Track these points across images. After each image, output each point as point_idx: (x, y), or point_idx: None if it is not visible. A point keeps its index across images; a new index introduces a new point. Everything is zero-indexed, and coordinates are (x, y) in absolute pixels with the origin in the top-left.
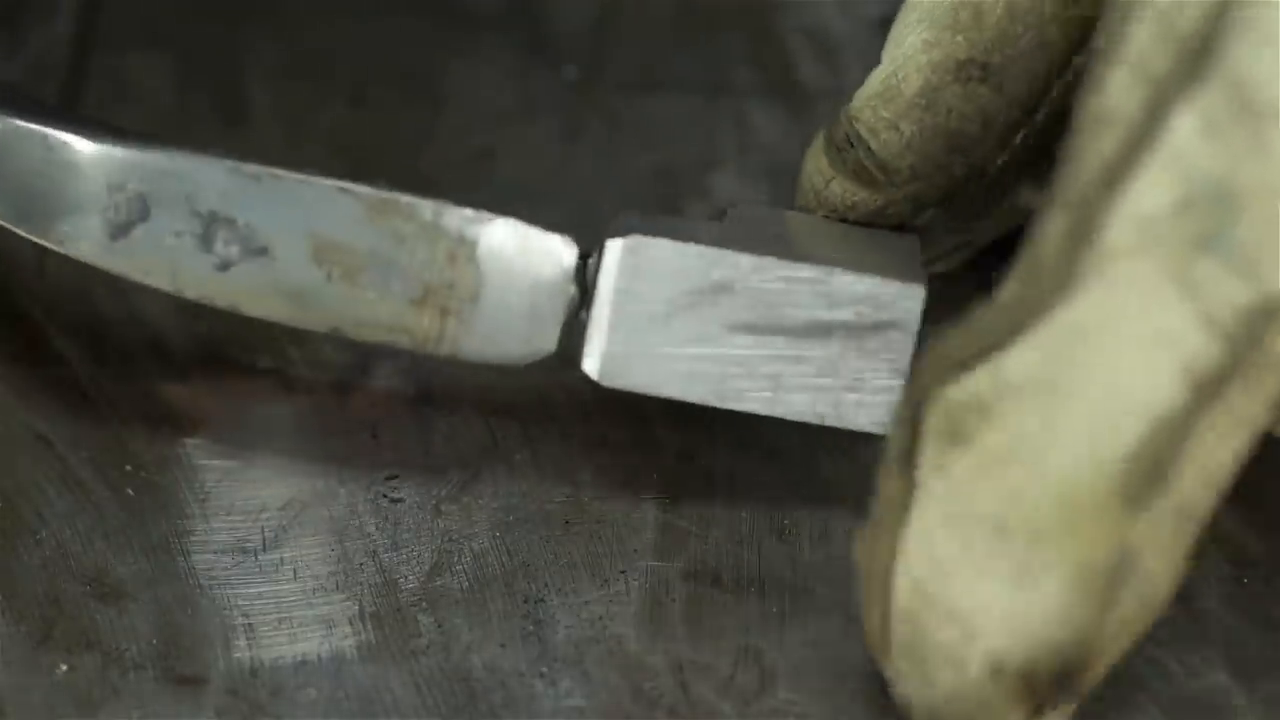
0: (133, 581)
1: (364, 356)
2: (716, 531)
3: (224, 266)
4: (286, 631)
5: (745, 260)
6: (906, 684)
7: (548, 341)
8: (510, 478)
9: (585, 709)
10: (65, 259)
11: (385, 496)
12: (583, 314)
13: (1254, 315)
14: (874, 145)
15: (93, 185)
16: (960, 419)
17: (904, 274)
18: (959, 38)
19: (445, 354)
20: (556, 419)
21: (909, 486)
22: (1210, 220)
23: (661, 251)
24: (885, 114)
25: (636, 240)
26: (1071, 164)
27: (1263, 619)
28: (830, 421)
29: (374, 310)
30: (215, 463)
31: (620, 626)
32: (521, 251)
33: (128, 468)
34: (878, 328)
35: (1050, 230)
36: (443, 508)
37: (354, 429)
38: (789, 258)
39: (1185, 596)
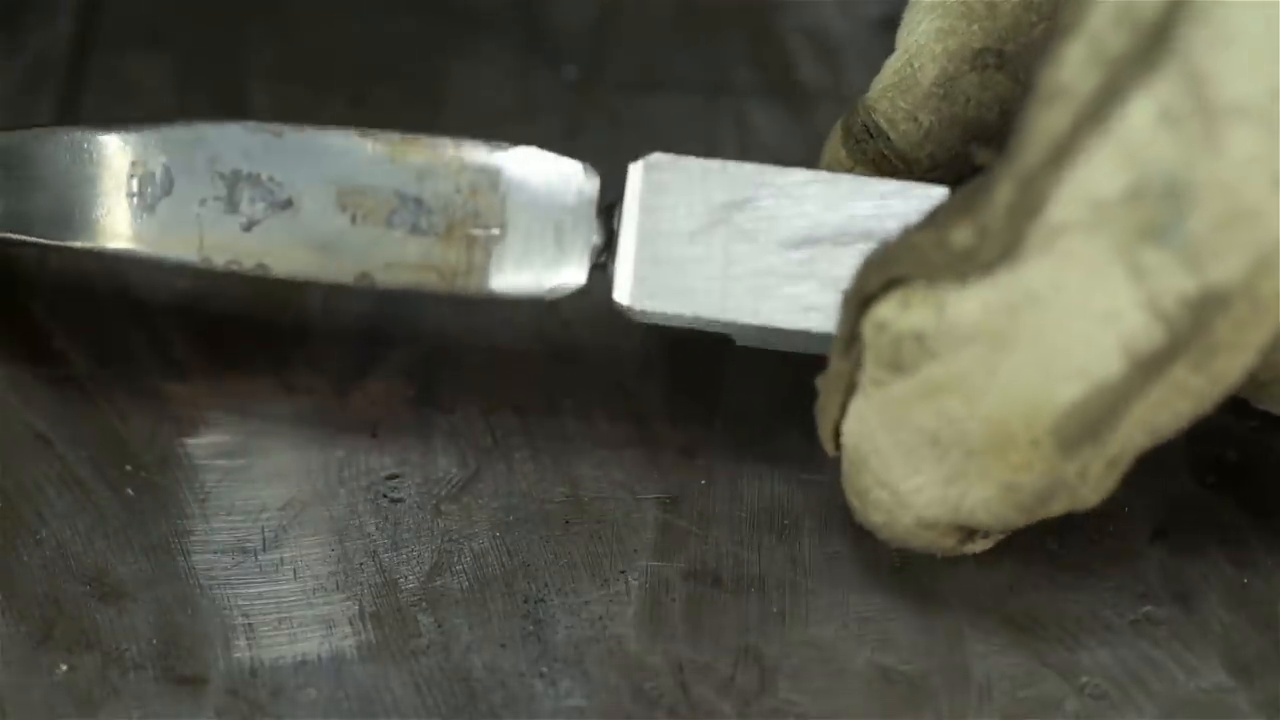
0: (133, 581)
1: (364, 356)
2: (716, 531)
3: (250, 225)
4: (286, 631)
5: (768, 171)
6: (849, 497)
7: (577, 271)
8: (510, 478)
9: (585, 709)
10: (65, 260)
11: (385, 496)
12: (609, 261)
13: (1201, 304)
14: (893, 136)
15: (116, 170)
16: (901, 348)
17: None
18: (974, 26)
19: (474, 289)
20: (556, 419)
21: (854, 372)
22: (1160, 211)
23: (684, 167)
24: (903, 104)
25: (658, 158)
26: (1023, 134)
27: (1263, 619)
28: None
29: (401, 250)
30: (215, 463)
31: (620, 626)
32: (544, 177)
33: (128, 468)
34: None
35: (999, 195)
36: (443, 508)
37: (354, 429)
38: (810, 169)
39: (1185, 596)
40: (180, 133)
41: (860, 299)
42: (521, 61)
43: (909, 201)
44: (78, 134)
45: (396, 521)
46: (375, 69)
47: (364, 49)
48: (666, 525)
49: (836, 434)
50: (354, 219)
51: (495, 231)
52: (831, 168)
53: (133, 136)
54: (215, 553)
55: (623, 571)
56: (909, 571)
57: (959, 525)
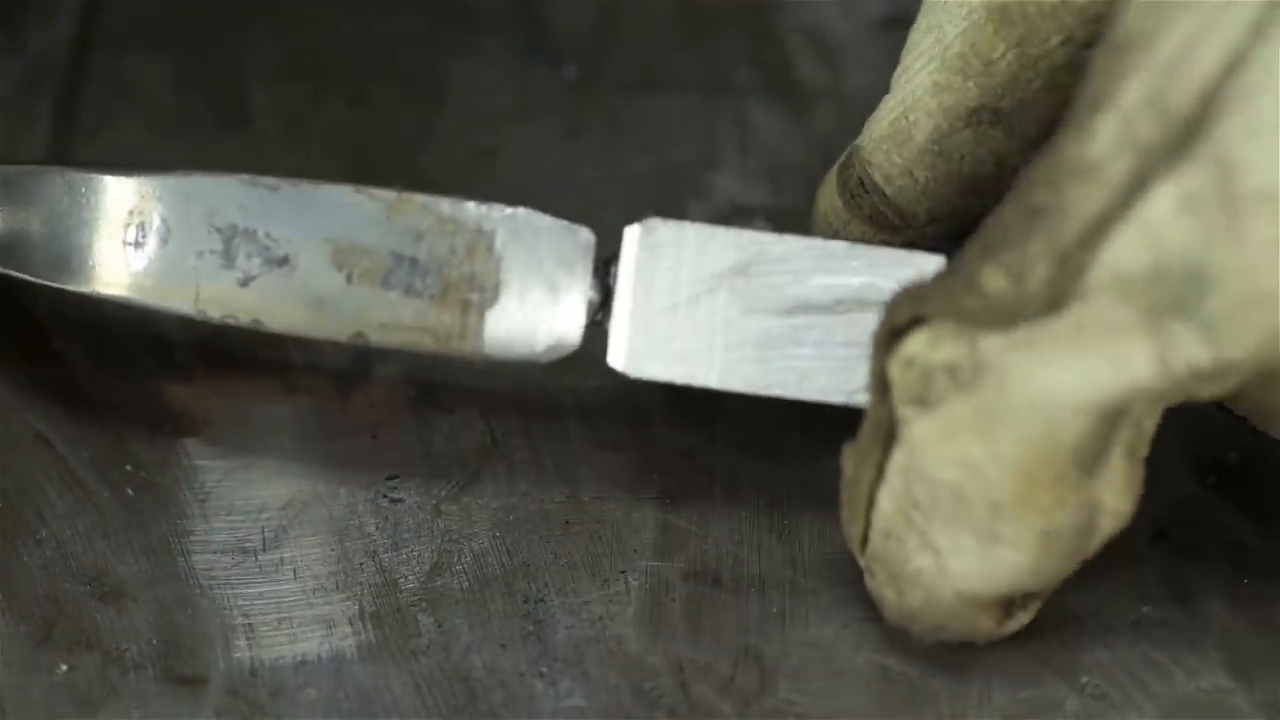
0: (133, 581)
1: (364, 357)
2: (716, 531)
3: (246, 281)
4: (286, 631)
5: (765, 238)
6: (880, 588)
7: (572, 336)
8: (510, 478)
9: (585, 709)
10: None
11: (385, 496)
12: (606, 320)
13: (1208, 373)
14: (889, 192)
15: (114, 216)
16: (932, 382)
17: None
18: (969, 83)
19: (469, 351)
20: (557, 419)
21: (885, 421)
22: (1182, 291)
23: (679, 233)
24: (898, 159)
25: (653, 223)
26: (1056, 205)
27: (1263, 619)
28: (859, 399)
29: (396, 311)
30: (215, 463)
31: (620, 626)
32: (540, 240)
33: (128, 468)
34: None
35: (1035, 255)
36: (443, 508)
37: (354, 429)
38: (807, 236)
39: (1185, 596)
40: (178, 183)
41: (889, 332)
42: (521, 61)
43: (906, 270)
44: (77, 175)
45: (396, 521)
46: (375, 69)
47: (364, 49)
48: (666, 525)
49: (865, 525)
50: (349, 278)
51: (490, 295)
52: (827, 216)
53: (132, 183)
54: (215, 553)
55: (623, 571)
56: None
57: (1001, 597)
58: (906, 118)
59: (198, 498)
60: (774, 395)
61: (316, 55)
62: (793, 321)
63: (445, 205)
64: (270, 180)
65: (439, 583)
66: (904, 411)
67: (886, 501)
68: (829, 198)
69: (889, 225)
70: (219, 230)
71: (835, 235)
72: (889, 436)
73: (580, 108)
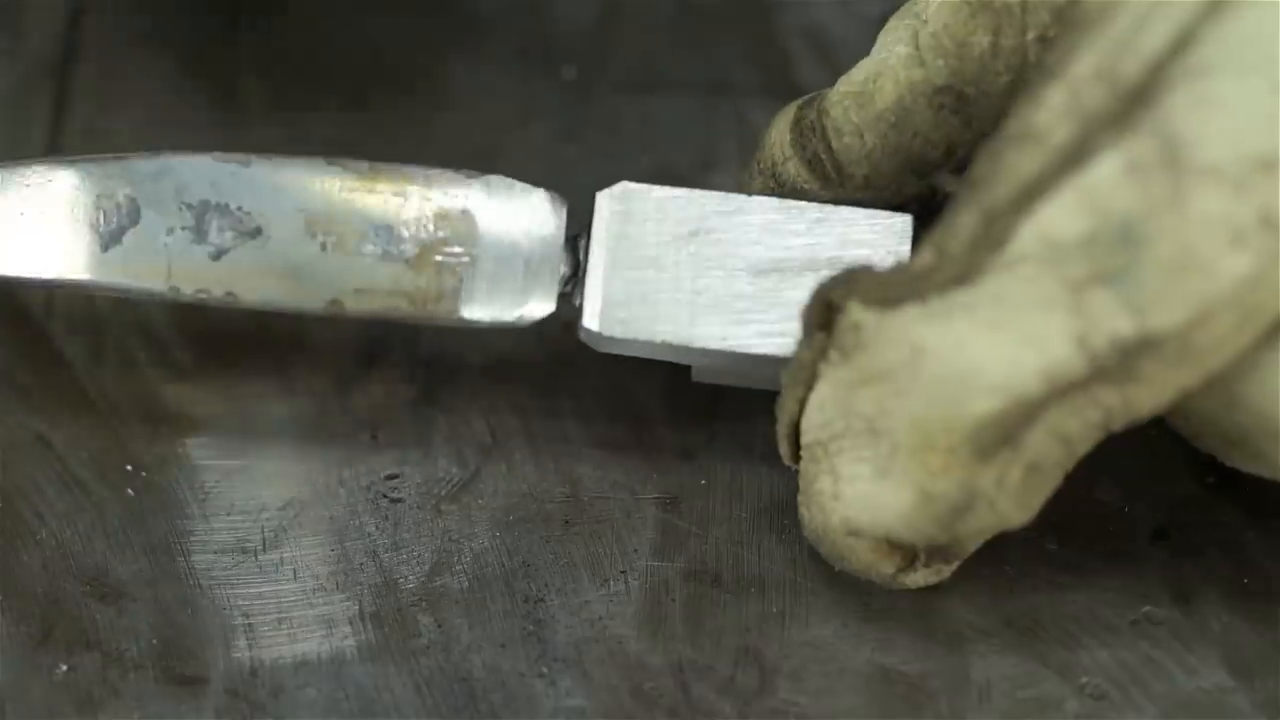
0: (133, 581)
1: (364, 357)
2: (716, 531)
3: (219, 254)
4: (286, 631)
5: (734, 199)
6: (799, 504)
7: (546, 299)
8: (510, 478)
9: (585, 709)
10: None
11: (385, 496)
12: (577, 294)
13: (1133, 346)
14: (835, 145)
15: (81, 203)
16: (855, 334)
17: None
18: (940, 62)
19: (444, 315)
20: (557, 419)
21: (817, 360)
22: (1113, 258)
23: (649, 195)
24: (854, 119)
25: (624, 188)
26: (992, 170)
27: (1263, 619)
28: None
29: (371, 276)
30: (215, 463)
31: (620, 626)
32: (513, 204)
33: (128, 468)
34: (870, 261)
35: (962, 224)
36: (443, 508)
37: (354, 429)
38: (778, 197)
39: (1185, 596)
40: (146, 165)
41: (824, 301)
42: (521, 61)
43: (874, 230)
44: (40, 168)
45: (396, 521)
46: (375, 69)
47: (364, 49)
48: (666, 525)
49: (795, 436)
50: (324, 246)
51: (466, 258)
52: (772, 146)
53: (96, 169)
54: (215, 553)
55: (623, 571)
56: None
57: (882, 539)
58: (874, 81)
59: (198, 498)
60: (746, 352)
61: (316, 55)
62: (762, 280)
63: (419, 174)
64: (240, 156)
65: (439, 583)
66: (834, 354)
67: (808, 427)
68: (780, 129)
69: (823, 175)
70: (190, 206)
71: (773, 167)
72: (813, 376)
73: (580, 108)
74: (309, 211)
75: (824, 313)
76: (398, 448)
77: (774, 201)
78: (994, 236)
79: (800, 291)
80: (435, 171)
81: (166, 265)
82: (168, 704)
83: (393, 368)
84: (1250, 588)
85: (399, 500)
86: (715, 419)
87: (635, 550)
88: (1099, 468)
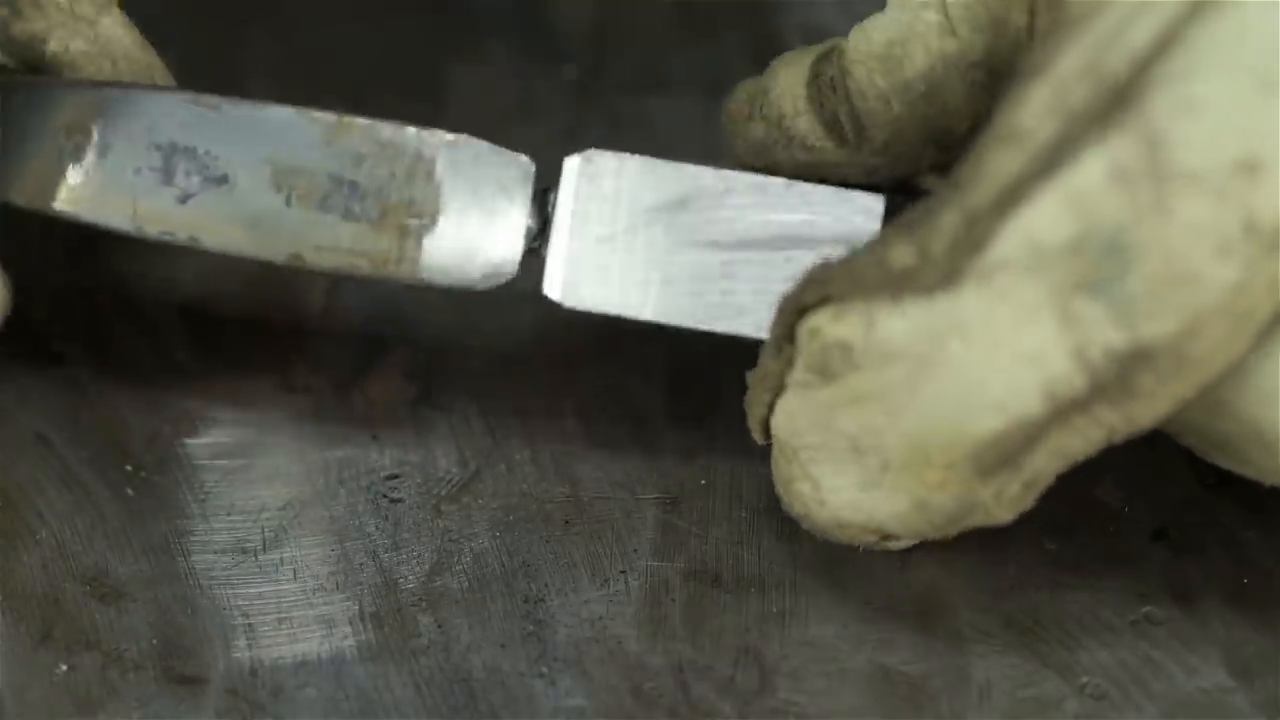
0: (133, 581)
1: (364, 357)
2: (716, 531)
3: (184, 198)
4: (286, 631)
5: (705, 173)
6: (776, 484)
7: (509, 264)
8: (510, 478)
9: (585, 709)
10: (66, 261)
11: (385, 496)
12: (543, 247)
13: (1127, 358)
14: (859, 107)
15: (50, 132)
16: (830, 357)
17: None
18: (977, 37)
19: (405, 275)
20: (556, 419)
21: (780, 378)
22: (1101, 267)
23: (618, 166)
24: (880, 83)
25: (593, 154)
26: (975, 170)
27: (1263, 619)
28: None
29: (334, 233)
30: (215, 463)
31: (620, 626)
32: (480, 169)
33: (128, 468)
34: (838, 240)
35: (944, 224)
36: (443, 508)
37: (354, 429)
38: (749, 171)
39: (1185, 596)
40: (119, 98)
41: (796, 308)
42: (522, 61)
43: (843, 210)
44: (12, 85)
45: (396, 521)
46: (375, 69)
47: (364, 49)
48: (666, 525)
49: (765, 426)
50: (288, 199)
51: (428, 221)
52: (781, 96)
53: (71, 95)
54: (215, 553)
55: (623, 571)
56: (909, 572)
57: (872, 530)
58: (902, 45)
59: (198, 498)
60: (708, 329)
61: (316, 55)
62: (730, 257)
63: (386, 130)
64: (212, 99)
65: (439, 583)
66: (806, 376)
67: (778, 430)
68: (791, 79)
69: (840, 136)
70: (158, 147)
71: (781, 119)
72: (780, 386)
73: (580, 108)
74: (276, 163)
75: (793, 319)
76: (398, 448)
77: (748, 177)
78: (975, 238)
79: (765, 269)
80: (405, 130)
81: (132, 204)
82: (168, 704)
83: (393, 368)
84: (1250, 588)
85: (399, 500)
86: (715, 419)
87: (635, 550)
88: (1099, 468)
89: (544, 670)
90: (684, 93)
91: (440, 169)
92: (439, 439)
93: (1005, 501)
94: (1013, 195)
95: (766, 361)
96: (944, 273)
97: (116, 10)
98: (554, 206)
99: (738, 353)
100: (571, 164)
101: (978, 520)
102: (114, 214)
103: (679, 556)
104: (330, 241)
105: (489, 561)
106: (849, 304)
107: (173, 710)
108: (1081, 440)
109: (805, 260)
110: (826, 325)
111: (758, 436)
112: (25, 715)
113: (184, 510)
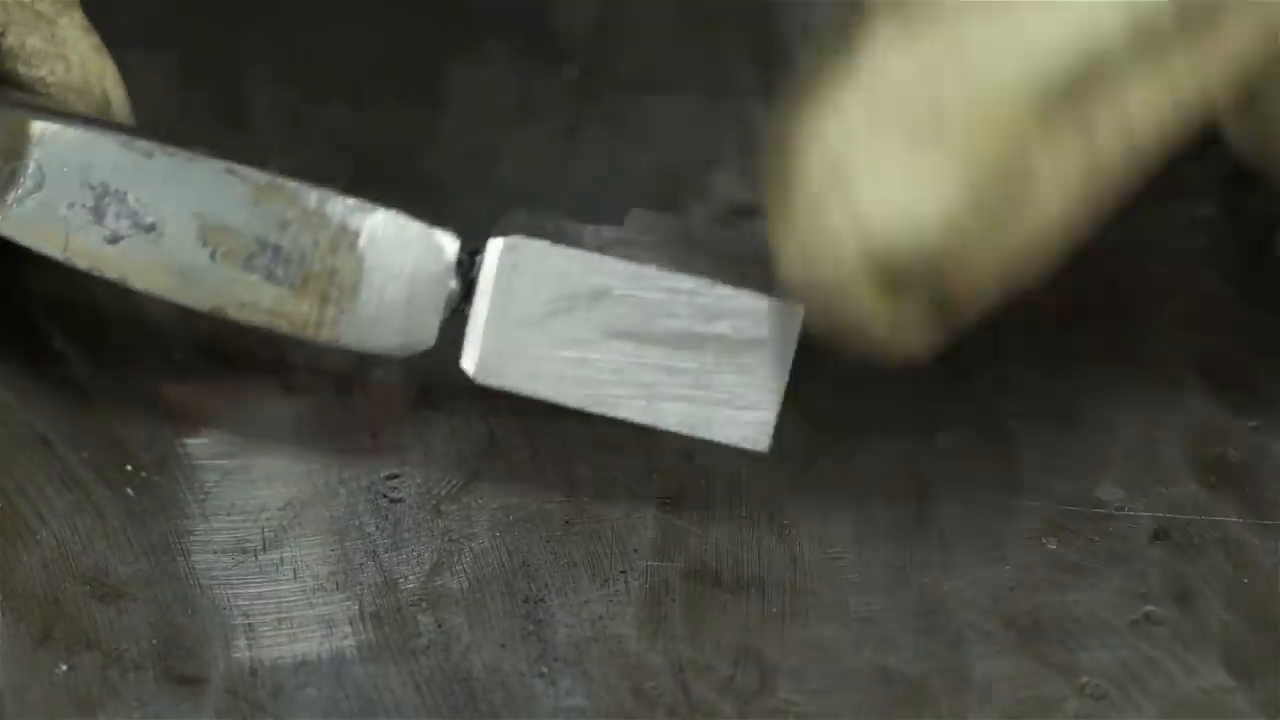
0: (133, 581)
1: (364, 357)
2: (716, 531)
3: (114, 240)
4: (286, 631)
5: (623, 268)
6: (790, 256)
7: (427, 335)
8: (510, 478)
9: (585, 709)
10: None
11: (385, 496)
12: (466, 309)
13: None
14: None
15: None
16: (910, 13)
17: (784, 295)
18: None
19: (324, 340)
20: (557, 419)
21: (846, 60)
22: None
23: (541, 253)
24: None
25: (516, 240)
26: None
27: (1263, 619)
28: (701, 434)
29: (256, 293)
30: (215, 463)
31: (620, 626)
32: (403, 243)
33: (128, 468)
34: (754, 344)
35: None
36: (443, 508)
37: (354, 429)
38: (668, 268)
39: (1185, 596)
40: (56, 133)
41: None
42: (522, 61)
43: (771, 310)
44: None
45: (396, 521)
46: (375, 69)
47: (364, 49)
48: (666, 525)
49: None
50: (214, 255)
51: (349, 292)
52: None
53: (14, 119)
54: (215, 553)
55: (623, 571)
56: (909, 572)
57: (895, 268)
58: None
59: (198, 498)
60: (620, 417)
61: (316, 55)
62: (649, 350)
63: (313, 197)
64: (145, 145)
65: (439, 583)
66: (877, 42)
67: (812, 153)
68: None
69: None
70: (91, 187)
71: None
72: (832, 83)
73: (580, 108)
74: (203, 217)
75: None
76: (398, 448)
77: (662, 276)
78: None
79: (687, 363)
80: (332, 198)
81: (65, 237)
82: (168, 704)
83: (393, 367)
84: (1250, 588)
85: (399, 500)
86: None
87: (635, 550)
88: (1099, 468)
89: (544, 670)
90: (684, 93)
91: (364, 242)
92: (439, 439)
93: (1057, 175)
94: None
95: (822, 65)
96: None
97: (78, 12)
98: (478, 273)
99: None
100: (495, 247)
101: (1031, 216)
102: (46, 244)
103: (679, 556)
104: (253, 300)
105: (489, 561)
106: None
107: (173, 710)
108: (1150, 109)
109: (723, 361)
110: None
111: (773, 228)
112: (25, 715)
113: (184, 510)
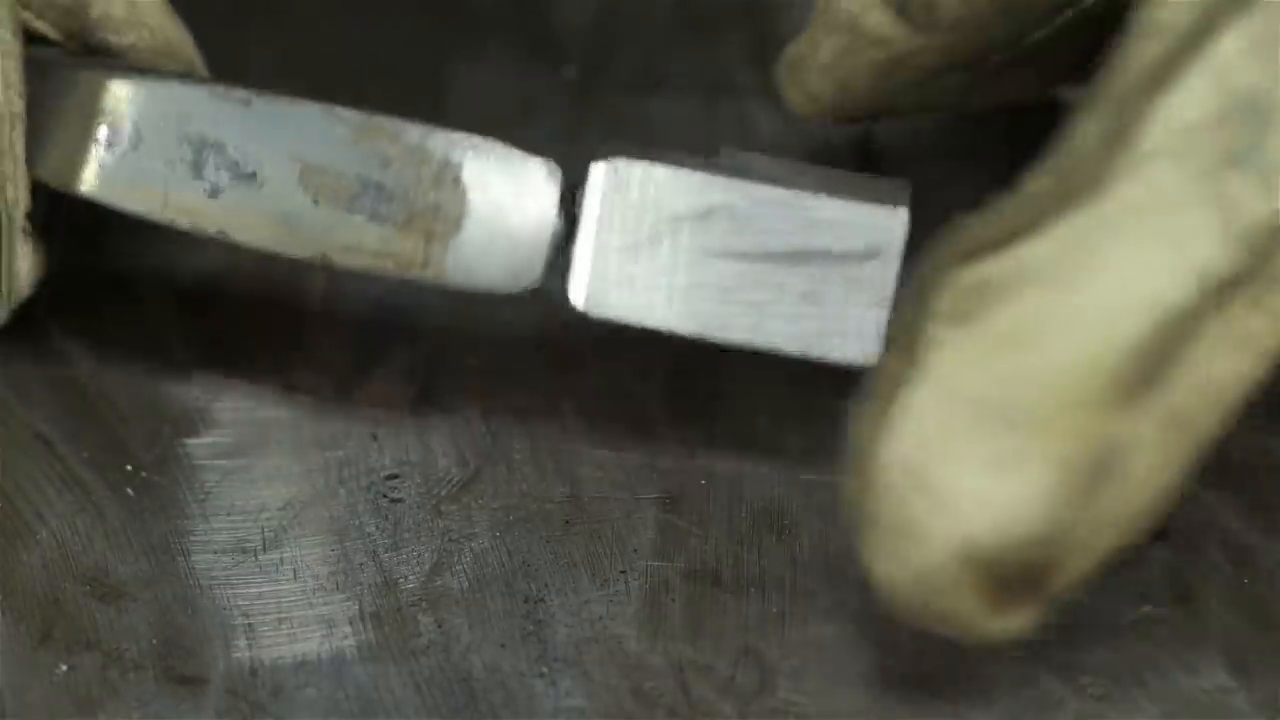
0: (133, 581)
1: (364, 356)
2: (716, 531)
3: (214, 193)
4: (286, 631)
5: (730, 184)
6: (876, 560)
7: (533, 270)
8: (510, 478)
9: (585, 709)
10: (67, 259)
11: (385, 496)
12: (571, 247)
13: (1270, 231)
14: None
15: (84, 115)
16: (968, 300)
17: (888, 201)
18: None
19: (430, 279)
20: (556, 419)
21: (908, 363)
22: (1242, 133)
23: (644, 175)
24: None
25: (619, 163)
26: (1117, 66)
27: (1263, 619)
28: (813, 352)
29: (360, 235)
30: (215, 463)
31: (620, 626)
32: (508, 176)
33: (128, 468)
34: (861, 256)
35: (1088, 128)
36: (443, 508)
37: (354, 429)
38: (774, 184)
39: (1185, 597)
40: (151, 89)
41: (927, 280)
42: (521, 61)
43: (870, 220)
44: (49, 64)
45: (396, 521)
46: (375, 69)
47: (364, 49)
48: (666, 525)
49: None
50: (316, 199)
51: (454, 226)
52: (849, 4)
53: (107, 80)
54: (215, 553)
55: (623, 571)
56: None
57: (994, 562)
58: None
59: (198, 498)
60: (730, 341)
61: (317, 55)
62: (755, 268)
63: (414, 133)
64: (242, 93)
65: (439, 583)
66: (938, 334)
67: (887, 453)
68: None
69: (911, 21)
70: (189, 140)
71: (851, 21)
72: (899, 384)
73: (580, 108)
74: (304, 161)
75: (926, 294)
76: (398, 448)
77: (771, 190)
78: (1122, 129)
79: (793, 280)
80: (432, 133)
81: (164, 195)
82: (168, 704)
83: (393, 368)
84: (1250, 588)
85: (399, 500)
86: (715, 419)
87: (635, 550)
88: None
89: (544, 670)
90: (684, 93)
91: (467, 174)
92: (439, 439)
93: (1149, 451)
94: (1157, 79)
95: (886, 364)
96: (1090, 177)
97: None
98: (580, 209)
99: (738, 352)
100: (598, 171)
101: (1123, 486)
102: (144, 203)
103: (679, 556)
104: (357, 243)
105: (489, 561)
106: (990, 250)
107: (173, 710)
108: (1228, 365)
109: (830, 275)
110: (964, 273)
111: (852, 519)
112: (25, 715)
113: (184, 510)
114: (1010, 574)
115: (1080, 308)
